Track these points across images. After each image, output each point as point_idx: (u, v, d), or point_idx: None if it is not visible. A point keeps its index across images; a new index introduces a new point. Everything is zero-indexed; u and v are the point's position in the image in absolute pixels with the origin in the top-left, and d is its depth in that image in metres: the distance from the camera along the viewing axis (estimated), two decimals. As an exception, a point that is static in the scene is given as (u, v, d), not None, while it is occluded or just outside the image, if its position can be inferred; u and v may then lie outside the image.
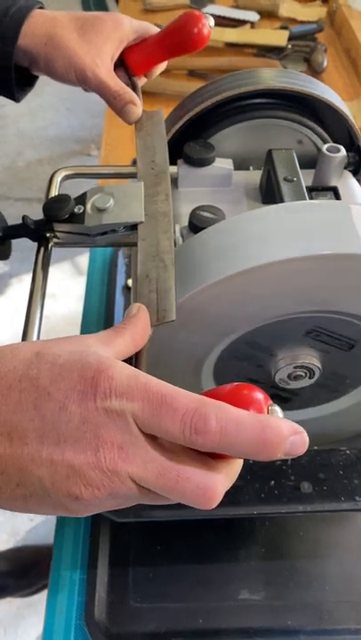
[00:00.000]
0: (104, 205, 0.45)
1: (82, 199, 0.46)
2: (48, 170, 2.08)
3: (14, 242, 0.51)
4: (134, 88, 0.55)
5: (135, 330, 0.34)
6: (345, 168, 0.54)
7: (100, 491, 0.27)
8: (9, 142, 2.37)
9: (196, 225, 0.46)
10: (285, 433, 0.26)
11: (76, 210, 0.45)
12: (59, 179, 0.52)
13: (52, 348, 0.29)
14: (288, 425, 0.27)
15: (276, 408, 0.28)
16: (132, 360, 0.35)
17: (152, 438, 0.27)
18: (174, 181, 0.54)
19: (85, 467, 0.26)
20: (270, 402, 0.28)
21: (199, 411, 0.26)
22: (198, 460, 0.27)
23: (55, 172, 0.53)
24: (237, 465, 0.29)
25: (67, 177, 0.53)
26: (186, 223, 0.48)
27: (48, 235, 0.47)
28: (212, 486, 0.27)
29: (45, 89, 2.42)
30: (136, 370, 0.29)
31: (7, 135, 2.40)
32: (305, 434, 0.27)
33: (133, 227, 0.45)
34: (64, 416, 0.27)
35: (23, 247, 0.52)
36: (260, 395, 0.28)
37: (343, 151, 0.52)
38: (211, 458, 0.28)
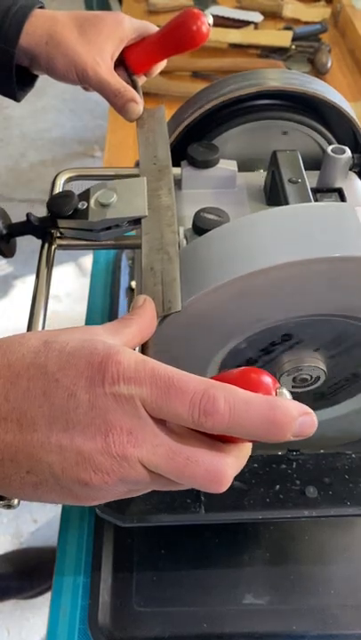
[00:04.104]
0: (107, 201, 0.45)
1: (85, 195, 0.46)
2: (51, 171, 2.08)
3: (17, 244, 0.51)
4: (135, 86, 0.56)
5: (142, 321, 0.35)
6: (350, 169, 0.54)
7: (109, 476, 0.27)
8: (12, 144, 2.37)
9: (200, 227, 0.46)
10: (294, 413, 0.26)
11: (79, 206, 0.46)
12: (62, 180, 0.52)
13: (59, 336, 0.29)
14: (297, 406, 0.27)
15: (284, 391, 0.28)
16: (139, 351, 0.35)
17: (161, 423, 0.27)
18: (178, 183, 0.54)
19: (95, 452, 0.26)
20: (278, 385, 0.28)
21: (208, 392, 0.26)
22: (207, 444, 0.27)
23: (58, 173, 0.53)
24: (247, 448, 0.29)
25: (70, 179, 0.53)
26: (190, 225, 0.48)
27: (52, 231, 0.47)
28: (221, 469, 0.27)
29: (48, 90, 2.43)
30: (143, 356, 0.29)
31: (10, 137, 2.41)
32: (314, 415, 0.27)
33: (137, 221, 0.45)
34: (73, 402, 0.27)
35: (25, 249, 0.52)
36: (268, 378, 0.28)
37: (348, 152, 0.52)
38: (220, 441, 0.28)
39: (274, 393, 0.28)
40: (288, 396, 0.28)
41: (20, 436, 0.27)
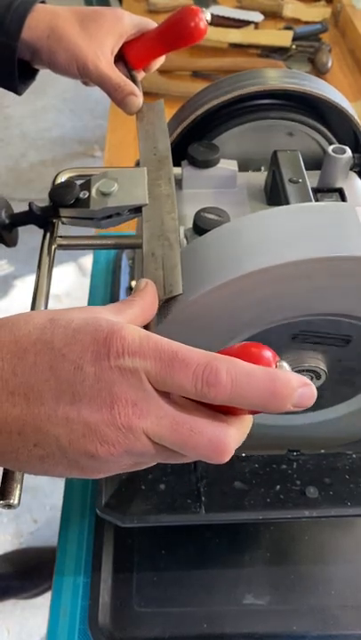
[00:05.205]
0: (109, 190, 0.46)
1: (87, 185, 0.47)
2: (51, 171, 2.08)
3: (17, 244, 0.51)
4: (134, 81, 0.56)
5: (144, 302, 0.36)
6: (351, 169, 0.54)
7: (115, 448, 0.27)
8: (13, 144, 2.37)
9: (201, 227, 0.46)
10: (294, 384, 0.27)
11: (81, 195, 0.46)
12: (62, 180, 0.52)
13: (64, 314, 0.30)
14: (297, 377, 0.28)
15: (284, 364, 0.29)
16: None
17: (165, 395, 0.28)
18: (178, 183, 0.54)
19: (101, 424, 0.27)
20: (278, 358, 0.29)
21: (211, 364, 0.27)
22: (210, 415, 0.28)
23: (58, 173, 0.53)
24: (248, 420, 0.30)
25: (70, 178, 0.53)
26: (190, 225, 0.48)
27: (54, 221, 0.48)
28: (224, 439, 0.28)
29: (48, 90, 2.43)
30: (147, 331, 0.29)
31: (11, 136, 2.41)
32: (313, 386, 0.28)
33: (138, 210, 0.46)
34: (79, 376, 0.28)
35: (27, 241, 0.52)
36: (268, 352, 0.29)
37: (349, 152, 0.52)
38: (222, 413, 0.29)
39: (274, 366, 0.29)
40: (288, 368, 0.29)
41: (27, 409, 0.28)
